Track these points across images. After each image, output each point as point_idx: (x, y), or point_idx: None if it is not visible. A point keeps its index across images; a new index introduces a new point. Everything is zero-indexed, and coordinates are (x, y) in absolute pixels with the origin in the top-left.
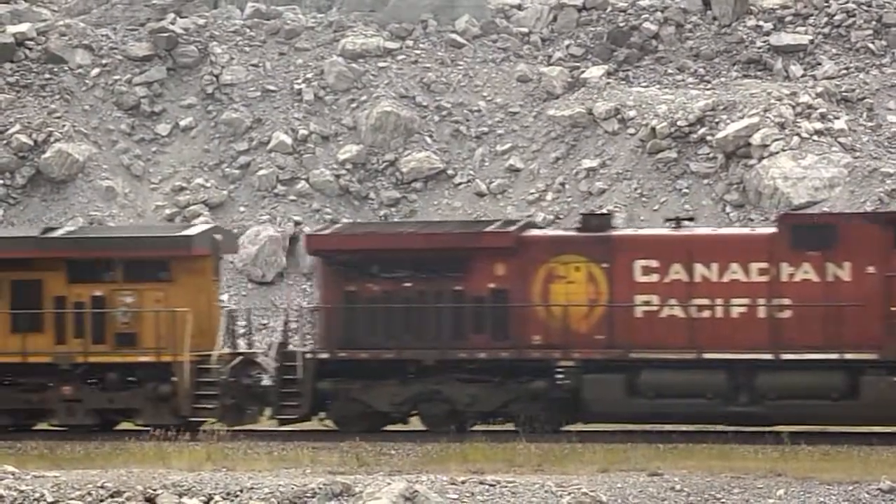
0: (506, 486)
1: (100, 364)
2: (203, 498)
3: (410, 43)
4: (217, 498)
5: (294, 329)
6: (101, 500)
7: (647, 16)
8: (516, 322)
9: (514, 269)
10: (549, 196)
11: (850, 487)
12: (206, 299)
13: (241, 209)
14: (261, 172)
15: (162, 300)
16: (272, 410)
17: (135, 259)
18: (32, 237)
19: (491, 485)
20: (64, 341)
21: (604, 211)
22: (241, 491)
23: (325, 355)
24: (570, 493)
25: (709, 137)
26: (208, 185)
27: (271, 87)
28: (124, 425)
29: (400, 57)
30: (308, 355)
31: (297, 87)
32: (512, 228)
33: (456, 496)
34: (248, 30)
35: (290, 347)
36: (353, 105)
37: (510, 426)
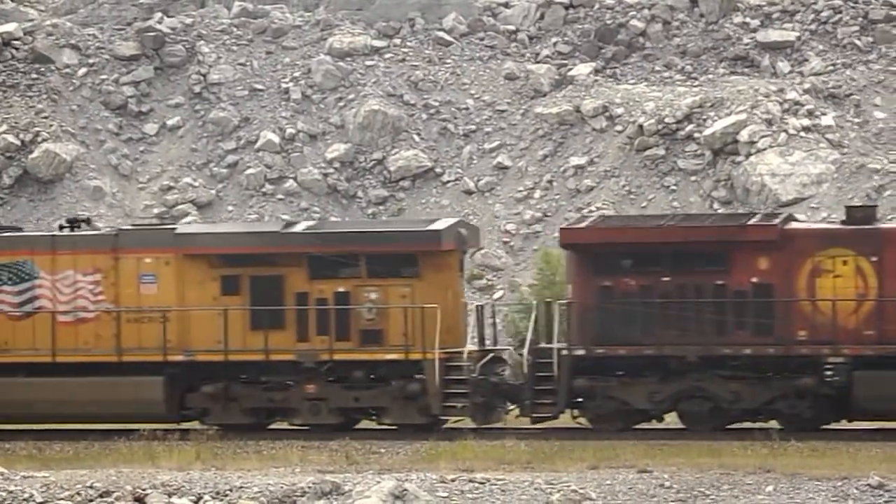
0: (495, 484)
1: (344, 362)
2: (192, 497)
3: (398, 41)
4: (206, 497)
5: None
6: (91, 500)
7: (634, 13)
8: (781, 317)
9: (779, 263)
10: (537, 194)
11: (839, 483)
12: (452, 295)
13: (230, 208)
14: (249, 171)
15: (408, 296)
16: (524, 409)
17: (381, 254)
18: (275, 232)
19: (481, 483)
20: (306, 338)
21: (871, 203)
22: (231, 490)
23: (580, 352)
24: (559, 490)
25: (696, 134)
26: (196, 184)
27: (259, 86)
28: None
29: (387, 55)
30: (563, 352)
31: (284, 85)
32: (776, 221)
33: (446, 494)
34: (235, 29)
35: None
36: (341, 104)
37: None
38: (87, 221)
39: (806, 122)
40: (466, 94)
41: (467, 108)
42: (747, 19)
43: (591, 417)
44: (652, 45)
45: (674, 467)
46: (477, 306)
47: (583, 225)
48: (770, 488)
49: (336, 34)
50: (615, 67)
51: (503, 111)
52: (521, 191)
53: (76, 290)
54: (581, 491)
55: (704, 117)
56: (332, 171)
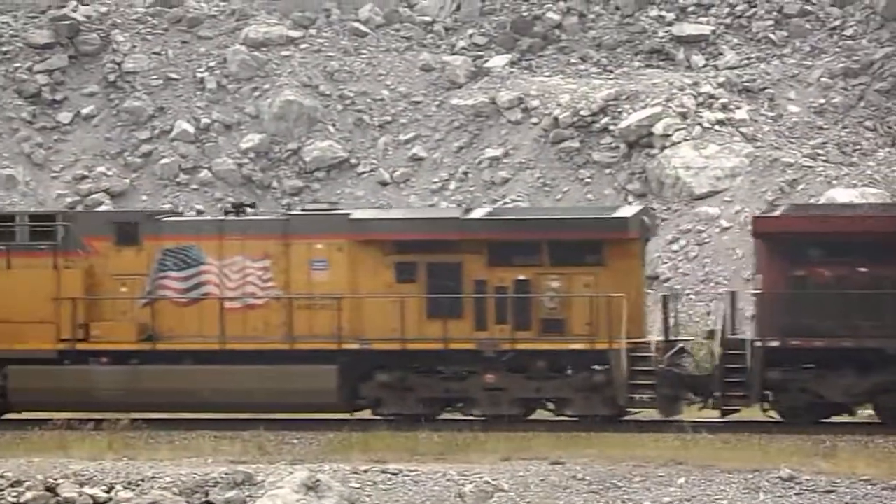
0: (408, 475)
1: (525, 351)
2: (104, 487)
3: (313, 32)
4: (118, 487)
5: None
6: (1, 490)
7: (550, 5)
8: None
9: None
10: (452, 185)
11: (750, 475)
12: (635, 284)
13: (144, 198)
14: (163, 161)
15: (591, 285)
16: (714, 401)
17: (564, 242)
18: (454, 218)
19: (393, 473)
20: (485, 327)
21: None
22: (143, 480)
23: (775, 343)
24: (472, 482)
25: (611, 127)
26: (110, 173)
27: (174, 76)
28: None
29: (303, 45)
30: (757, 343)
31: (199, 75)
32: None
33: (358, 485)
34: (150, 18)
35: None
36: (256, 94)
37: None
38: (253, 206)
39: (720, 115)
40: (382, 85)
41: (383, 99)
42: (663, 12)
43: (783, 410)
44: (567, 38)
45: (586, 459)
46: (663, 296)
47: (776, 214)
48: (682, 480)
49: (251, 24)
50: (531, 59)
51: (419, 102)
52: (436, 182)
53: (244, 276)
54: (493, 482)
55: (619, 110)
56: (246, 161)
